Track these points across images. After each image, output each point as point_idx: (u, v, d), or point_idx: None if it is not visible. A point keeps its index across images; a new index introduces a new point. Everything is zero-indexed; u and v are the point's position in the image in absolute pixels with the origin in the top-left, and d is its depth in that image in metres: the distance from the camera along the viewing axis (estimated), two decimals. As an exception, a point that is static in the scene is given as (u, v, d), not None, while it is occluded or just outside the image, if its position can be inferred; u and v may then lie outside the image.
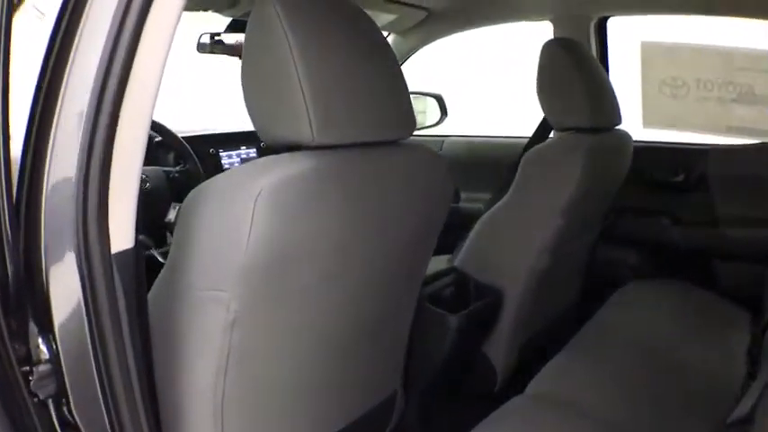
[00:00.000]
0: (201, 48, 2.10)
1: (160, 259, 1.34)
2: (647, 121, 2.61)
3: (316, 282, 1.04)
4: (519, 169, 1.79)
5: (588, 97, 1.80)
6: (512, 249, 1.80)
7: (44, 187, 0.85)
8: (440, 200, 1.28)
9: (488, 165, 2.57)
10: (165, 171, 2.02)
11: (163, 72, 0.86)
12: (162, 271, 1.03)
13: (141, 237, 0.92)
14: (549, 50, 1.84)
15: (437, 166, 1.25)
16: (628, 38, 2.54)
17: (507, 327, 1.83)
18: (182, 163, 2.09)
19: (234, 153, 2.34)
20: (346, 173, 1.05)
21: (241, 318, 0.96)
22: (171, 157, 2.14)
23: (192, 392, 1.01)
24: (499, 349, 1.86)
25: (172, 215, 1.82)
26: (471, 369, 1.88)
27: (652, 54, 2.54)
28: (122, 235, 0.86)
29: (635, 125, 2.00)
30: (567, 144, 1.78)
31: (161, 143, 2.09)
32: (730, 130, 2.51)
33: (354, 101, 1.05)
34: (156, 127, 2.05)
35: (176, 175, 2.03)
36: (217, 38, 2.05)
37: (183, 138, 2.11)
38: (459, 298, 1.78)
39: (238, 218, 0.91)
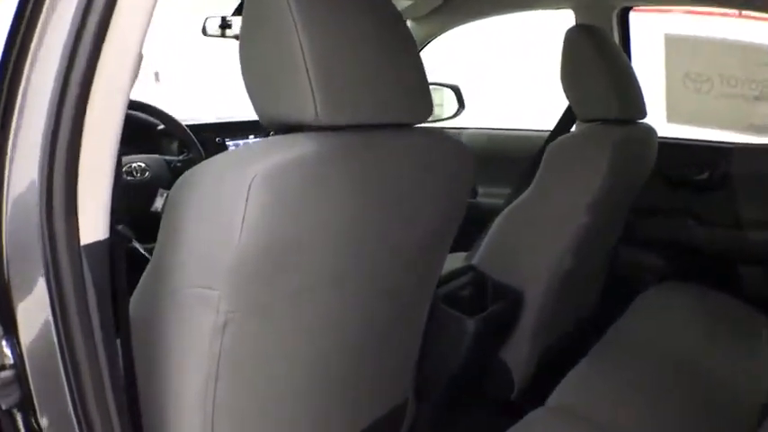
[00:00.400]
0: (206, 31, 2.00)
1: (142, 252, 1.23)
2: (671, 117, 2.51)
3: (317, 279, 0.95)
4: (542, 162, 1.69)
5: (615, 87, 1.70)
6: (533, 248, 1.70)
7: (6, 172, 0.77)
8: (460, 192, 1.18)
9: (508, 159, 2.48)
10: (166, 160, 1.94)
11: (142, 41, 0.78)
12: (147, 267, 0.94)
13: (121, 227, 0.83)
14: (572, 37, 1.73)
15: (459, 155, 1.15)
16: (649, 31, 2.44)
17: (527, 331, 1.73)
18: (185, 152, 2.01)
19: (242, 142, 2.26)
20: (353, 157, 0.95)
21: (232, 320, 0.87)
22: (174, 146, 2.07)
23: (180, 402, 0.92)
24: (518, 355, 1.76)
25: (159, 203, 1.71)
26: (487, 375, 1.78)
27: (676, 48, 2.44)
28: (94, 225, 0.77)
29: (655, 121, 1.89)
30: (594, 135, 1.68)
31: (164, 131, 2.02)
32: (752, 128, 2.41)
33: (364, 77, 0.95)
34: (159, 114, 1.99)
35: (179, 164, 1.94)
36: (225, 21, 1.95)
37: (187, 126, 2.04)
38: (476, 299, 1.67)
39: (229, 207, 0.82)
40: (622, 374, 1.56)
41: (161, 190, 1.72)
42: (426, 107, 1.07)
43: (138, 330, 0.91)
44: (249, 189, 0.81)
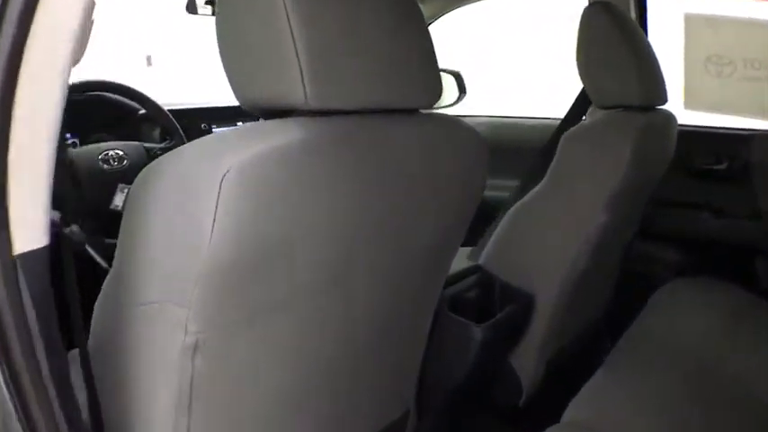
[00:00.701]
0: (192, 8, 1.85)
1: (98, 259, 1.09)
2: (690, 103, 2.36)
3: (307, 286, 0.83)
4: (557, 152, 1.54)
5: (637, 70, 1.55)
6: (546, 248, 1.56)
7: None
8: (474, 185, 1.06)
9: (514, 149, 2.32)
10: (146, 148, 1.79)
11: (85, 11, 0.64)
12: (108, 274, 0.82)
13: (71, 229, 0.73)
14: (591, 15, 1.58)
15: (473, 144, 1.02)
16: (667, 9, 2.29)
17: (537, 336, 1.59)
18: (168, 139, 1.88)
19: (229, 129, 2.10)
20: (348, 145, 0.82)
21: (204, 340, 0.74)
22: (156, 132, 1.95)
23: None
24: (527, 361, 1.62)
25: (119, 200, 1.55)
26: (494, 382, 1.65)
27: (696, 28, 2.28)
28: (30, 230, 0.65)
29: (671, 108, 1.76)
30: (615, 123, 1.53)
31: (145, 116, 1.91)
32: (778, 114, 2.26)
33: (363, 56, 0.83)
34: (139, 97, 1.88)
35: (159, 152, 1.80)
36: (211, -4, 1.80)
37: (171, 110, 1.92)
38: (483, 303, 1.54)
39: (197, 206, 0.69)
40: (640, 385, 1.44)
41: (121, 185, 1.56)
42: (435, 90, 0.95)
43: (103, 349, 0.80)
44: (221, 185, 0.68)
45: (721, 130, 2.23)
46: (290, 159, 0.74)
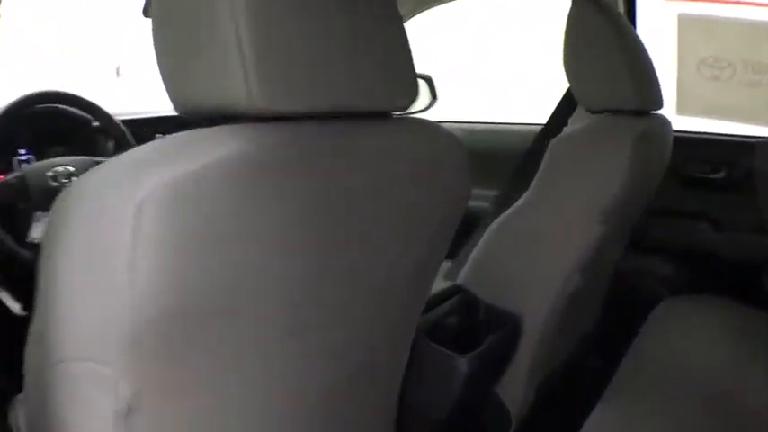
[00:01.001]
0: (147, 12, 1.72)
1: (12, 307, 0.93)
2: (682, 108, 2.24)
3: (258, 332, 0.68)
4: (545, 160, 1.40)
5: (631, 72, 1.41)
6: (535, 265, 1.41)
7: None
8: (454, 195, 0.91)
9: (492, 156, 2.20)
10: (96, 162, 1.64)
11: None
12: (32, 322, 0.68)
13: None
14: (579, 11, 1.44)
15: (453, 151, 0.88)
16: (658, 9, 2.17)
17: (526, 362, 1.45)
18: (121, 152, 1.72)
19: (155, 142, 1.96)
20: (304, 157, 0.68)
21: (138, 405, 0.60)
22: (111, 144, 1.80)
23: None
24: (515, 389, 1.48)
25: (36, 232, 1.35)
26: (481, 414, 1.50)
27: (691, 29, 2.16)
28: None
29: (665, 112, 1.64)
30: (610, 129, 1.39)
31: (99, 128, 1.76)
32: (782, 121, 2.14)
33: (323, 51, 0.69)
34: (90, 108, 1.74)
35: None
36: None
37: (126, 120, 1.79)
38: (466, 328, 1.39)
39: (112, 245, 0.55)
40: (645, 420, 1.30)
41: (37, 213, 1.38)
42: (409, 92, 0.81)
43: (33, 405, 0.69)
44: (137, 217, 0.54)
45: (718, 137, 2.11)
46: (227, 178, 0.60)
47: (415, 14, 2.33)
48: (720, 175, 1.99)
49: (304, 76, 0.66)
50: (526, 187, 1.45)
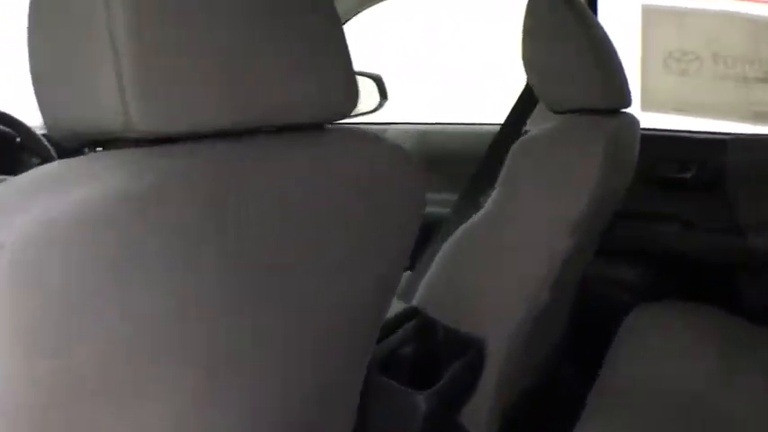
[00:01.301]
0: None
1: None
2: (648, 103, 2.15)
3: (165, 396, 0.55)
4: (507, 166, 1.27)
5: (600, 66, 1.29)
6: (500, 282, 1.28)
7: None
8: (407, 209, 0.77)
9: (449, 158, 2.12)
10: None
11: None
12: None
13: None
14: (540, 1, 1.32)
15: (398, 162, 0.74)
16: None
17: (491, 388, 1.31)
18: None
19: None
20: (204, 187, 0.53)
21: None
22: (36, 161, 1.67)
23: None
24: (480, 418, 1.34)
25: None
26: None
27: (656, 20, 2.06)
28: None
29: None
30: (581, 130, 1.27)
31: (23, 144, 1.64)
32: (755, 117, 2.05)
33: (226, 56, 0.56)
34: (12, 123, 1.62)
35: None
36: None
37: (44, 134, 1.65)
38: (423, 358, 1.24)
39: None
40: None
41: None
42: (347, 98, 0.68)
43: None
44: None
45: (687, 135, 2.02)
46: (101, 222, 0.46)
47: (362, 10, 2.19)
48: (689, 173, 1.89)
49: (198, 88, 0.53)
50: (485, 192, 1.33)
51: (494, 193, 1.27)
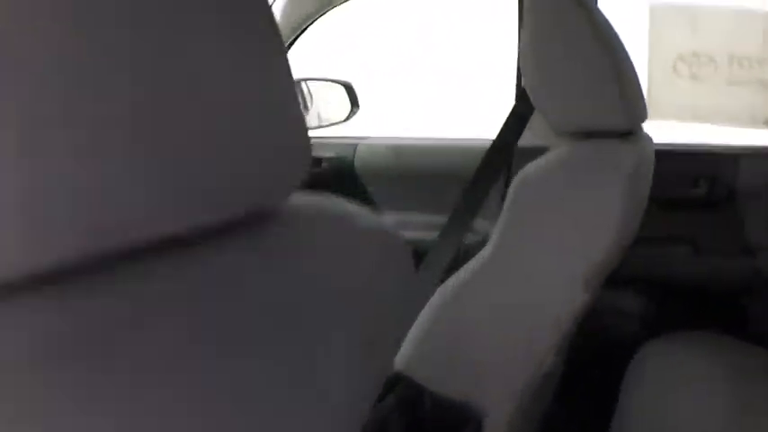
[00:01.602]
0: None
1: None
2: (655, 111, 1.94)
3: None
4: (508, 206, 1.06)
5: (618, 80, 1.07)
6: (501, 343, 1.07)
7: None
8: (396, 289, 0.54)
9: (429, 177, 1.95)
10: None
11: None
12: None
13: None
14: (545, 3, 1.10)
15: (374, 242, 0.51)
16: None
17: None
18: None
19: None
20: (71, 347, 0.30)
21: None
22: None
23: None
24: None
25: None
26: None
27: (666, 21, 1.87)
28: None
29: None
30: (597, 161, 1.06)
31: None
32: (773, 124, 1.88)
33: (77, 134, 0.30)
34: None
35: None
36: None
37: None
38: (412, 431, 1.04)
39: None
40: None
41: None
42: (294, 164, 0.43)
43: None
44: None
45: (697, 148, 1.82)
46: None
47: (327, 11, 1.99)
48: (700, 191, 1.72)
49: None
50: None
51: (494, 238, 1.06)
